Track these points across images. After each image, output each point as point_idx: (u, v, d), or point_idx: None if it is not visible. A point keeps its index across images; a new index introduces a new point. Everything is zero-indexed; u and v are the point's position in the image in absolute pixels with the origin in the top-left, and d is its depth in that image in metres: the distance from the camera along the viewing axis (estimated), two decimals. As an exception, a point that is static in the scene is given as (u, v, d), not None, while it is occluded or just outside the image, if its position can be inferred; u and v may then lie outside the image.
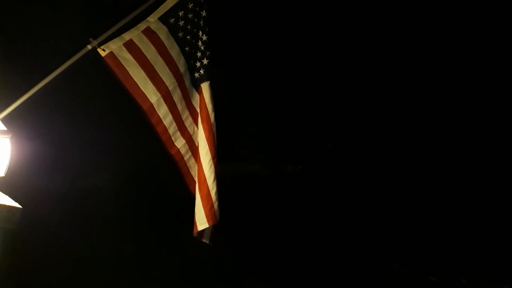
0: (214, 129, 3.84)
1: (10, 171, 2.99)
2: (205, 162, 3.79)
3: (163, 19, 3.61)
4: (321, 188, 7.49)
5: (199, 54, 3.81)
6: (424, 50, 7.30)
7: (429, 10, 6.87)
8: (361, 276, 6.15)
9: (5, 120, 3.12)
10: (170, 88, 3.68)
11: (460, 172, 7.41)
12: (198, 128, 3.90)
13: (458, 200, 7.15)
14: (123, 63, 3.45)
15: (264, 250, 6.19)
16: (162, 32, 3.62)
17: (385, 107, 7.72)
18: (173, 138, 3.79)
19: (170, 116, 3.72)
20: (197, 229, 3.82)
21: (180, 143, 3.84)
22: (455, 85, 7.40)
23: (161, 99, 3.63)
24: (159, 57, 3.61)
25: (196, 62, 3.83)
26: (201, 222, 3.79)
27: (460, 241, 6.64)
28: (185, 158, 3.89)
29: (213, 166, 3.79)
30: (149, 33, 3.55)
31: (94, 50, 3.38)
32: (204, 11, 3.76)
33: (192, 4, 3.71)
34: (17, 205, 2.80)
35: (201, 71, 3.83)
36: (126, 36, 3.47)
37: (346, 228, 6.84)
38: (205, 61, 3.80)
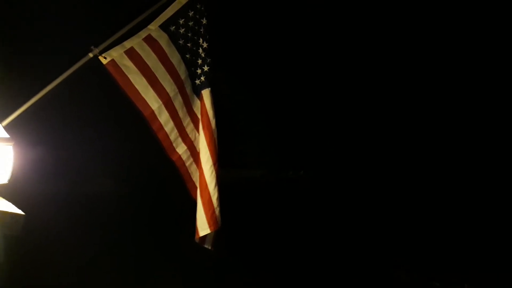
0: (215, 135, 3.86)
1: (13, 178, 3.01)
2: (206, 168, 3.80)
3: (163, 27, 3.65)
4: (323, 193, 7.49)
5: (199, 61, 3.84)
6: (432, 54, 7.30)
7: (430, 9, 6.88)
8: (363, 282, 6.14)
9: (7, 127, 3.15)
10: (171, 95, 3.71)
11: (463, 177, 7.40)
12: (199, 134, 3.92)
13: (461, 205, 7.14)
14: (124, 70, 3.49)
15: (266, 256, 6.19)
16: (163, 40, 3.65)
17: (389, 112, 7.73)
18: (174, 145, 3.81)
19: (171, 122, 3.74)
20: (198, 235, 3.83)
21: (181, 149, 3.86)
22: (458, 90, 7.41)
23: (162, 106, 3.66)
24: (160, 65, 3.64)
25: (197, 69, 3.86)
26: (203, 228, 3.80)
27: (464, 246, 6.62)
28: (186, 164, 3.91)
29: (214, 172, 3.80)
30: (150, 40, 3.59)
31: (95, 58, 3.42)
32: (204, 19, 3.80)
33: (192, 12, 3.75)
34: (20, 211, 2.82)
35: (202, 78, 3.86)
36: (127, 44, 3.51)
37: (347, 234, 6.83)
38: (205, 68, 3.84)
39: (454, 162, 7.57)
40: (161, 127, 3.70)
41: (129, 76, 3.51)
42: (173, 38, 3.70)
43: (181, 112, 3.82)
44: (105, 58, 3.42)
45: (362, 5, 6.86)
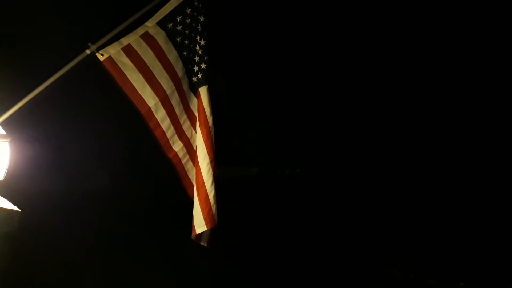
0: (212, 133, 3.88)
1: (9, 175, 3.02)
2: (203, 166, 3.82)
3: (161, 24, 3.65)
4: (319, 191, 7.50)
5: (197, 58, 3.85)
6: (425, 51, 7.30)
7: (430, 9, 6.88)
8: (358, 280, 6.16)
9: (4, 124, 3.15)
10: (168, 92, 3.71)
11: (459, 175, 7.42)
12: (196, 131, 3.93)
13: (456, 203, 7.16)
14: (121, 67, 3.48)
15: (263, 254, 6.20)
16: (160, 37, 3.65)
17: (385, 109, 7.74)
18: (170, 142, 3.81)
19: (168, 120, 3.75)
20: (195, 232, 3.85)
21: (177, 146, 3.86)
22: (455, 88, 7.42)
23: (159, 103, 3.66)
24: (157, 62, 3.64)
25: (194, 67, 3.86)
26: (199, 225, 3.82)
27: (458, 244, 6.65)
28: (182, 162, 3.92)
29: (211, 170, 3.82)
30: (147, 38, 3.59)
31: (92, 54, 3.41)
32: (202, 16, 3.81)
33: (190, 9, 3.75)
34: (16, 208, 2.83)
35: (199, 76, 3.86)
36: (125, 41, 3.50)
37: (343, 232, 6.85)
38: (203, 66, 3.84)
39: (451, 160, 7.58)
40: (158, 124, 3.69)
41: (126, 73, 3.50)
42: (171, 35, 3.71)
43: (178, 109, 3.82)
44: (102, 55, 3.41)
45: (361, 5, 6.86)
